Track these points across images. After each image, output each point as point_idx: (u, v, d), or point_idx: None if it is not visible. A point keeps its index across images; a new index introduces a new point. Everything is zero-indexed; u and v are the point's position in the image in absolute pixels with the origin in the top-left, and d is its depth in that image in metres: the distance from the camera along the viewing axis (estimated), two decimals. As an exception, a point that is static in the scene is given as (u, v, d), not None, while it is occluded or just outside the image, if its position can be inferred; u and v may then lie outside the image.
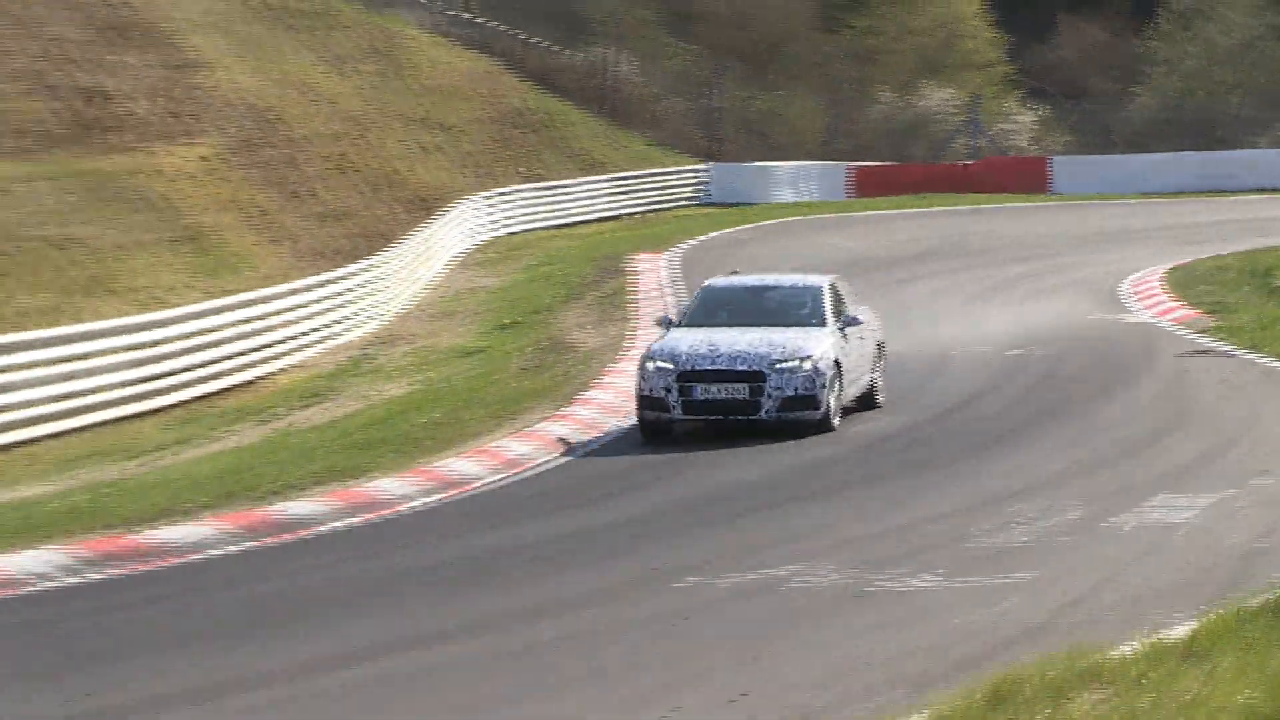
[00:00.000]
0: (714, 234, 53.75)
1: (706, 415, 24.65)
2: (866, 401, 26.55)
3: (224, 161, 44.04)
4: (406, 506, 20.59)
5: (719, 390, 24.33)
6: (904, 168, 68.11)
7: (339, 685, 12.69)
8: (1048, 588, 14.63)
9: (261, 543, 18.74)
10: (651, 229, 54.68)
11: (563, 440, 24.44)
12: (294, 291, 33.61)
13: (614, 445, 24.72)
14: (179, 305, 30.68)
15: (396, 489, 21.10)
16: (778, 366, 24.38)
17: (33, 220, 35.07)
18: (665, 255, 48.03)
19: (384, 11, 62.64)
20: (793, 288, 27.00)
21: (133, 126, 43.73)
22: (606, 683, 12.41)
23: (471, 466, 22.41)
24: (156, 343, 28.47)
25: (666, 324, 26.22)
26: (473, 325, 37.02)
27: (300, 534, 19.10)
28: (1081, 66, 76.78)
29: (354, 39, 58.62)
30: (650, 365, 24.30)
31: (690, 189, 63.96)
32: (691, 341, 24.83)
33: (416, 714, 11.91)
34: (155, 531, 18.54)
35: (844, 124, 71.70)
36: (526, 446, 23.70)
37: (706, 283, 27.60)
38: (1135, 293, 39.67)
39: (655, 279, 43.15)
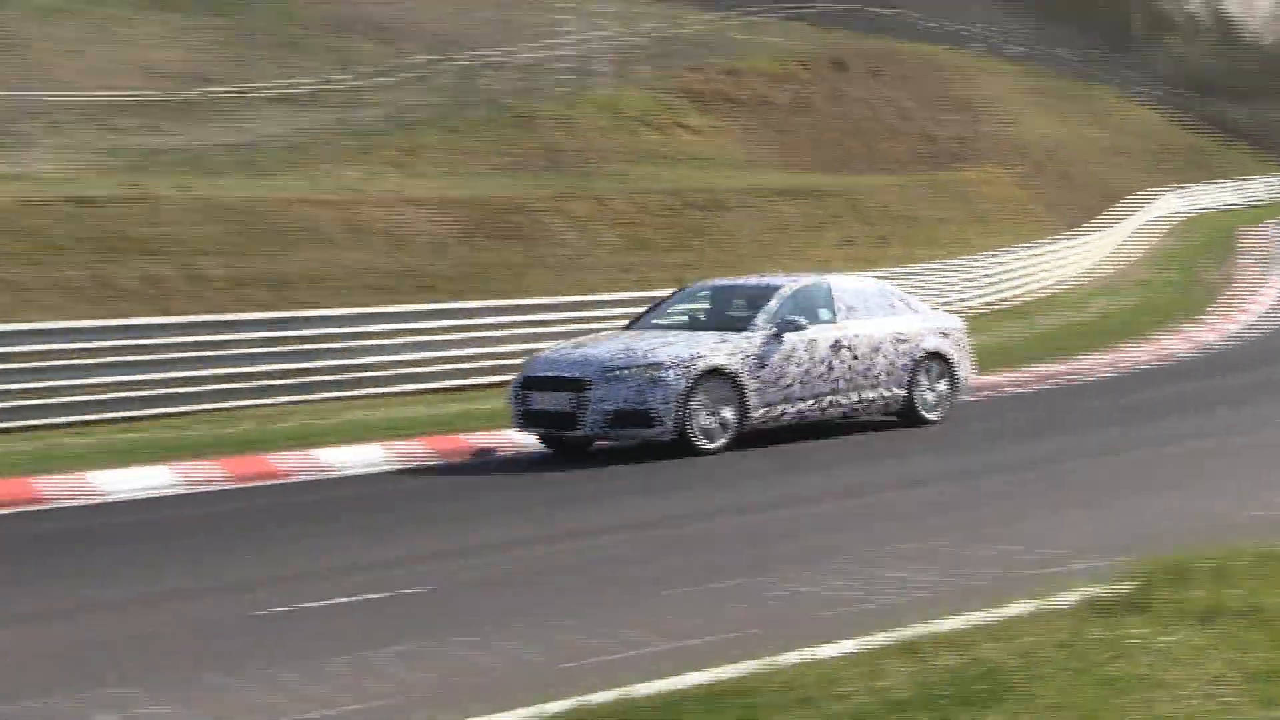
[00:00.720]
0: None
1: (537, 428, 13.27)
2: (911, 418, 14.32)
3: (1015, 174, 43.70)
4: (1099, 374, 19.35)
5: (549, 400, 13.02)
6: None
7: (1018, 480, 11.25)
8: None
9: (1034, 386, 18.07)
10: (1267, 211, 51.27)
11: (1192, 340, 22.73)
12: (1046, 252, 33.44)
13: (1209, 344, 22.46)
14: (973, 254, 30.93)
15: (1093, 362, 20.15)
16: (609, 375, 12.73)
17: (903, 206, 35.91)
18: (1274, 222, 45.37)
19: (1097, 84, 61.02)
20: (755, 287, 14.22)
21: (959, 155, 43.99)
22: (1212, 482, 10.83)
23: (1140, 353, 21.21)
24: (966, 275, 28.81)
25: (629, 324, 14.73)
26: (1150, 267, 36.05)
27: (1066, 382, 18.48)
28: None
29: (1084, 105, 57.20)
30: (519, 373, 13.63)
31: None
32: (567, 346, 13.79)
33: (1068, 500, 10.24)
34: (988, 377, 17.55)
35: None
36: (1173, 341, 22.80)
37: (688, 285, 15.80)
38: None
39: (1265, 241, 41.04)
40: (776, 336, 13.51)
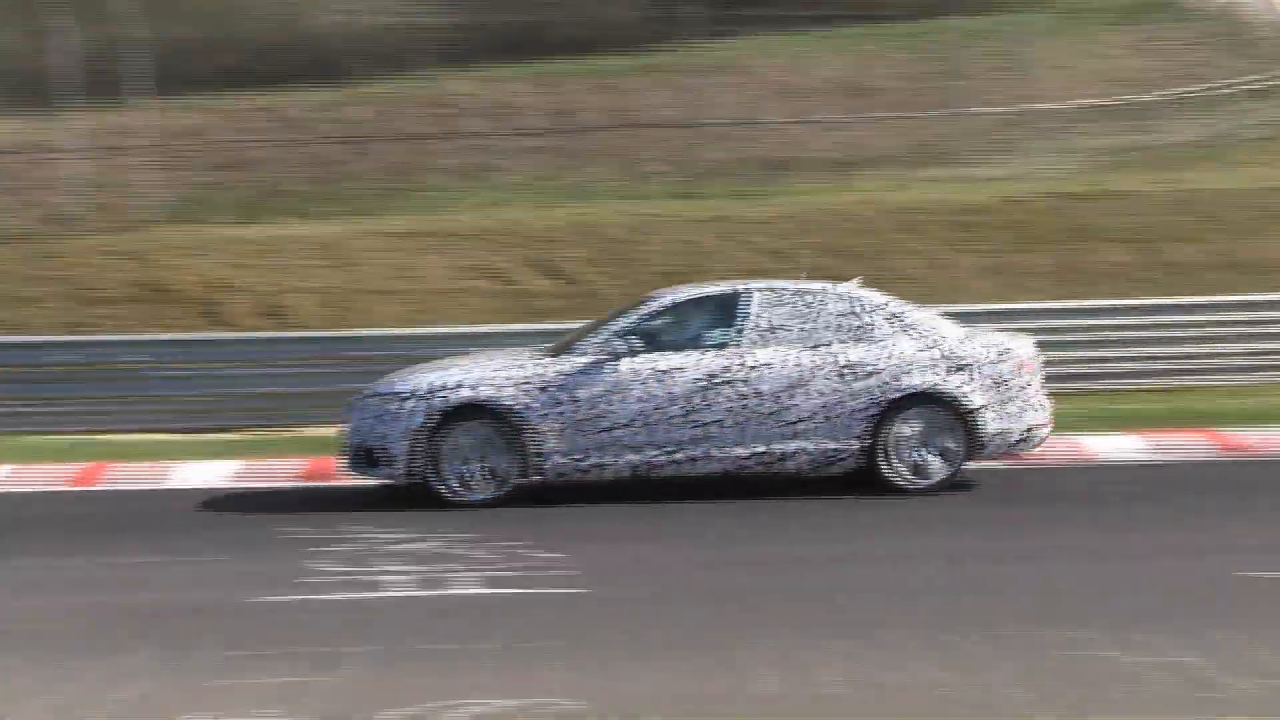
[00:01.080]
0: None
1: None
2: (875, 481, 9.43)
3: None
4: None
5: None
6: None
7: None
8: None
9: None
10: None
11: None
12: None
13: None
14: None
15: None
16: (364, 400, 9.63)
17: None
18: None
19: None
20: (639, 300, 10.14)
21: None
22: None
23: None
24: None
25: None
26: None
27: None
28: None
29: None
30: None
31: None
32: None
33: None
34: None
35: None
36: None
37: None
38: None
39: None
40: (601, 363, 9.39)
